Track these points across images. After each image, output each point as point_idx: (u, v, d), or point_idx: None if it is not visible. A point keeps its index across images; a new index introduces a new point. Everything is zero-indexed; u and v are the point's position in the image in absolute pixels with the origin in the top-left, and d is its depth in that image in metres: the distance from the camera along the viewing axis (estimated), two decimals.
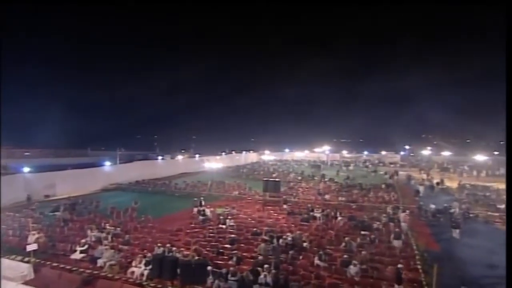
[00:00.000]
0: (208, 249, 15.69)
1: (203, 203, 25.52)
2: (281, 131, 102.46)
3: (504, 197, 29.32)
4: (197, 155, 59.70)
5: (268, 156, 76.70)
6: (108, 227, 18.76)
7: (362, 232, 18.42)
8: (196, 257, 13.33)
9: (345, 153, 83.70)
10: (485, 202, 29.55)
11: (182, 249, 15.21)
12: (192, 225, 20.29)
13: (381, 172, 52.37)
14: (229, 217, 21.20)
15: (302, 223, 20.82)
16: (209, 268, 12.58)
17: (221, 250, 15.45)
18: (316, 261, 14.12)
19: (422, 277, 13.05)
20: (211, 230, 19.01)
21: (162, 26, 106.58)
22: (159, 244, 14.98)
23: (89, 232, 17.66)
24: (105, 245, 15.79)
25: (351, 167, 62.81)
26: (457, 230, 19.27)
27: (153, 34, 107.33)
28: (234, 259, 14.05)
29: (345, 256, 14.44)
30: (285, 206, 25.57)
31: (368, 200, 29.31)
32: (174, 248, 14.76)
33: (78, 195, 30.39)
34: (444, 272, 12.94)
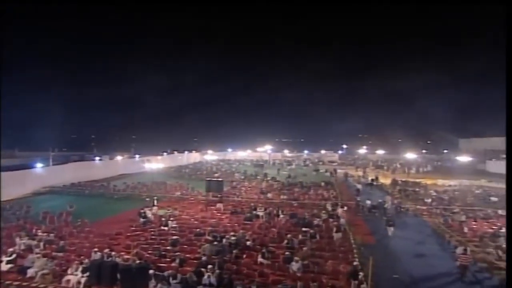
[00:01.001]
0: (150, 252, 15.27)
1: (155, 203, 25.03)
2: (223, 131, 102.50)
3: (432, 191, 31.99)
4: (137, 156, 57.78)
5: (210, 156, 76.29)
6: (40, 233, 17.54)
7: (303, 229, 19.01)
8: (137, 261, 12.94)
9: (286, 152, 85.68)
10: (414, 197, 31.83)
11: (122, 253, 14.69)
12: (133, 228, 19.61)
13: (322, 170, 54.32)
14: (172, 218, 20.84)
15: (246, 222, 21.02)
16: (151, 271, 12.26)
17: (163, 253, 15.12)
18: (260, 259, 14.34)
19: (359, 270, 13.75)
20: (152, 233, 18.55)
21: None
22: (96, 249, 14.34)
23: (17, 240, 16.38)
24: (37, 253, 14.76)
25: (292, 166, 64.40)
26: (392, 228, 20.16)
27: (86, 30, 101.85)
28: (177, 261, 13.83)
29: (287, 253, 14.83)
30: (219, 205, 25.58)
31: (309, 197, 30.29)
32: (113, 253, 14.19)
33: (5, 200, 28.02)
34: (379, 264, 13.80)
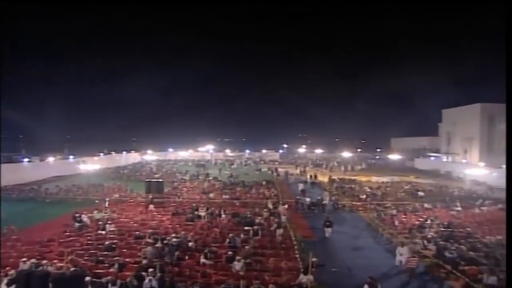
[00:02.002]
0: (86, 258, 14.50)
1: (107, 204, 23.91)
2: (164, 130, 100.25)
3: (366, 188, 33.80)
4: (71, 156, 54.54)
5: (150, 156, 74.18)
6: None
7: (246, 228, 19.19)
8: (72, 268, 12.24)
9: (228, 152, 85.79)
10: (350, 194, 33.44)
11: (55, 261, 13.78)
12: (67, 234, 18.49)
13: (265, 169, 55.07)
14: (109, 221, 19.96)
15: (187, 223, 20.75)
16: (87, 278, 11.66)
17: (101, 258, 14.43)
18: (202, 260, 14.23)
19: (300, 265, 14.17)
20: (89, 237, 17.65)
21: None
22: (25, 259, 13.32)
23: None
24: None
25: (234, 166, 64.63)
26: (330, 229, 19.99)
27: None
28: (116, 266, 13.30)
29: (230, 252, 14.88)
30: (151, 207, 24.85)
31: (251, 196, 30.62)
32: (44, 261, 13.29)
33: None
34: (318, 258, 14.32)
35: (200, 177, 43.87)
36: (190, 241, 16.39)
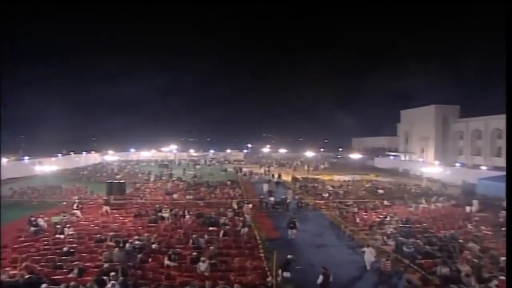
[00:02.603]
0: (42, 264, 13.89)
1: (75, 206, 23.35)
2: (126, 130, 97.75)
3: (329, 186, 34.51)
4: (26, 157, 51.90)
5: (111, 156, 71.91)
6: None
7: (210, 228, 19.12)
8: (27, 276, 11.69)
9: (192, 152, 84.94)
10: (313, 192, 34.07)
11: (7, 268, 13.09)
12: (22, 239, 17.60)
13: (230, 169, 54.87)
14: (68, 225, 19.20)
15: (150, 224, 20.36)
16: (43, 285, 11.18)
17: (59, 263, 13.88)
18: (166, 262, 14.03)
19: (265, 264, 14.31)
20: (46, 242, 16.90)
21: None
22: None
23: None
24: None
25: (198, 166, 64.07)
26: (294, 231, 19.86)
27: None
28: (76, 271, 12.84)
29: (195, 253, 14.77)
30: (106, 208, 23.93)
31: (215, 196, 30.49)
32: None
33: None
34: (283, 257, 14.52)
35: (163, 177, 43.15)
36: (153, 243, 16.12)
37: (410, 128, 73.66)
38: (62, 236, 17.76)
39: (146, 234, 17.27)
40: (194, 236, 17.10)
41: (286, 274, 13.15)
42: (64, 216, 21.19)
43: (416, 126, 71.33)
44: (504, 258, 15.07)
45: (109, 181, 29.86)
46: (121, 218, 22.32)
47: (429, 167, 48.55)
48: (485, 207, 26.92)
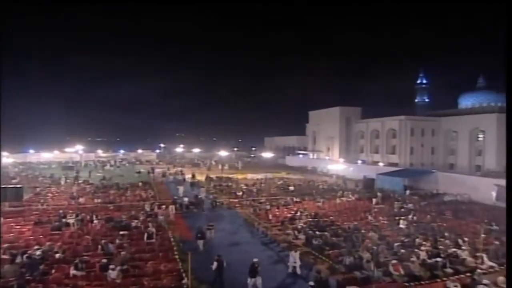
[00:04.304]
0: None
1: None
2: (23, 129, 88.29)
3: (242, 185, 35.14)
4: None
5: (6, 158, 64.18)
6: None
7: (121, 232, 18.22)
8: None
9: (100, 152, 79.99)
10: (228, 191, 34.44)
11: None
12: None
13: (143, 171, 52.56)
14: None
15: (53, 232, 18.72)
16: None
17: None
18: (73, 271, 13.01)
19: (180, 266, 14.08)
20: None
21: None
22: None
23: None
24: None
25: (107, 167, 60.64)
26: (202, 241, 17.86)
27: None
28: None
29: (104, 259, 13.96)
30: None
31: (126, 199, 29.22)
32: None
33: None
34: (198, 257, 14.46)
35: (68, 180, 39.87)
36: (57, 252, 14.83)
37: (318, 128, 78.35)
38: None
39: (48, 243, 15.83)
40: (103, 241, 16.16)
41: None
42: None
43: (322, 126, 76.13)
44: (398, 243, 16.98)
45: (3, 186, 26.74)
46: (18, 227, 20.08)
47: (334, 164, 52.34)
48: (382, 200, 29.87)
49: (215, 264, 13.41)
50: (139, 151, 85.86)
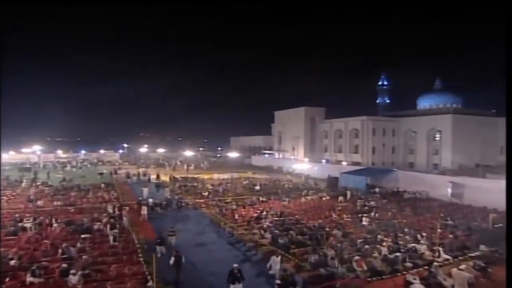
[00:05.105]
0: None
1: None
2: None
3: (208, 185, 34.94)
4: None
5: None
6: None
7: (83, 236, 17.63)
8: None
9: (60, 153, 76.91)
10: (193, 191, 34.13)
11: None
12: None
13: (105, 171, 51.04)
14: None
15: (8, 237, 17.78)
16: None
17: None
18: (29, 279, 12.40)
19: (145, 269, 13.79)
20: None
21: None
22: None
23: None
24: None
25: (68, 168, 58.44)
26: (163, 247, 16.73)
27: None
28: None
29: (64, 265, 13.42)
30: None
31: (88, 201, 28.26)
32: None
33: None
34: (163, 259, 14.22)
35: (24, 182, 37.98)
36: (12, 259, 14.08)
37: (283, 128, 79.21)
38: None
39: (1, 249, 15.03)
40: (64, 245, 15.54)
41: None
42: None
43: (288, 126, 77.04)
44: (361, 240, 17.49)
45: None
46: None
47: (300, 164, 53.08)
48: (349, 198, 30.77)
49: (172, 259, 13.58)
50: (102, 151, 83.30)
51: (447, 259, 15.38)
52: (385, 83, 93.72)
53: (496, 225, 19.86)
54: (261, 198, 29.83)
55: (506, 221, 6.59)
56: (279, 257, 14.74)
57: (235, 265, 12.79)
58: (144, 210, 24.24)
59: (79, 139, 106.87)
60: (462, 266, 13.63)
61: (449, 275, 13.05)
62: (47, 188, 34.34)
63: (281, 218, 22.66)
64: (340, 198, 30.35)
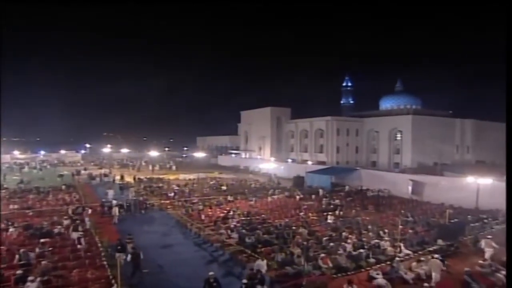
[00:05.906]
0: None
1: None
2: None
3: (174, 186, 34.39)
4: None
5: None
6: None
7: (42, 240, 16.87)
8: None
9: (17, 153, 73.40)
10: (159, 192, 33.61)
11: None
12: None
13: (66, 172, 49.05)
14: None
15: None
16: None
17: None
18: None
19: (109, 272, 13.41)
20: None
21: None
22: None
23: None
24: None
25: (25, 169, 55.89)
26: (121, 254, 14.82)
27: None
28: None
29: (20, 271, 12.75)
30: None
31: (47, 204, 27.17)
32: None
33: None
34: (128, 262, 13.88)
35: None
36: None
37: (249, 128, 79.45)
38: None
39: None
40: (21, 251, 14.81)
41: None
42: None
43: (254, 126, 77.36)
44: (326, 238, 17.86)
45: None
46: None
47: (266, 163, 53.46)
48: (310, 196, 31.31)
49: (129, 256, 13.62)
50: (62, 151, 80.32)
51: (407, 254, 16.06)
52: (349, 84, 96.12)
53: (452, 221, 20.84)
54: (228, 198, 29.79)
55: (506, 221, 6.80)
56: (265, 261, 14.38)
57: (211, 273, 12.08)
58: (116, 211, 23.65)
59: (37, 139, 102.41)
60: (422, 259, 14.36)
61: (410, 269, 13.65)
62: (3, 191, 32.62)
63: (248, 218, 22.74)
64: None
